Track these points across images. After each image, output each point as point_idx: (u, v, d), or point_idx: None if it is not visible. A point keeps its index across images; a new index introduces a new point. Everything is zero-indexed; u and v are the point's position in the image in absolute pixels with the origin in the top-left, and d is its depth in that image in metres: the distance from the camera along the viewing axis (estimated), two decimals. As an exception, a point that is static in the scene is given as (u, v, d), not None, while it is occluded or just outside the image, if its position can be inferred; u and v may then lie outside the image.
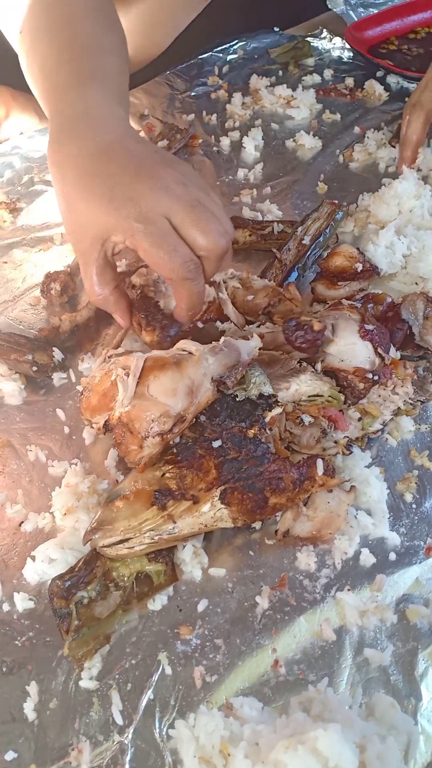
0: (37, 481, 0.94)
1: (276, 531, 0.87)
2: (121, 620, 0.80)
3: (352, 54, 1.70)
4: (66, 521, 0.87)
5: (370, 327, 0.93)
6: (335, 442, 0.90)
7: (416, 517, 0.90)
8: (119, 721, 0.73)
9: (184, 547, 0.85)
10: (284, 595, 0.83)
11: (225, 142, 1.47)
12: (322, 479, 0.85)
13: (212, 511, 0.82)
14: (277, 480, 0.82)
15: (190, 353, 0.85)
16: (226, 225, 0.90)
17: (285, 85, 1.59)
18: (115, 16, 1.14)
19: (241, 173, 1.40)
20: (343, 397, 0.92)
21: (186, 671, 0.77)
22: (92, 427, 0.91)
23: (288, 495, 0.83)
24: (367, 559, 0.85)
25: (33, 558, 0.84)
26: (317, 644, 0.79)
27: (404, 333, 1.02)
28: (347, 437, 0.92)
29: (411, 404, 0.98)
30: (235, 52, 1.70)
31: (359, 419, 0.95)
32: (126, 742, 0.72)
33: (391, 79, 1.63)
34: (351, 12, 1.76)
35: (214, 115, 1.53)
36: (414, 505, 0.91)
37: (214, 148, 1.46)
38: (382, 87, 1.59)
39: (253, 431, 0.83)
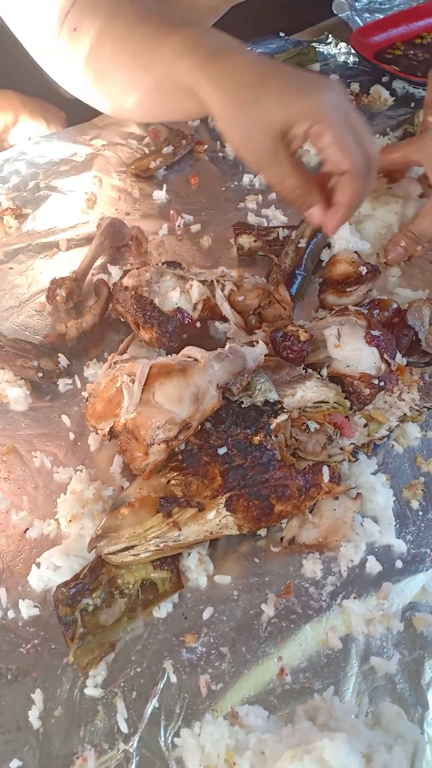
0: (42, 487, 0.93)
1: (281, 538, 0.87)
2: (126, 628, 0.80)
3: (357, 59, 1.70)
4: (71, 528, 0.87)
5: (376, 333, 0.93)
6: (341, 448, 0.90)
7: (423, 525, 0.90)
8: (124, 729, 0.73)
9: (189, 554, 0.84)
10: (290, 602, 0.82)
11: (230, 148, 1.47)
12: (328, 486, 0.84)
13: (218, 519, 0.81)
14: (282, 487, 0.82)
15: (195, 360, 0.85)
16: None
17: (290, 91, 1.58)
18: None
19: (246, 179, 1.40)
20: (348, 404, 0.91)
21: (191, 679, 0.77)
22: (97, 434, 0.91)
23: (294, 502, 0.83)
24: (373, 566, 0.85)
25: (38, 565, 0.84)
26: (323, 652, 0.79)
27: (410, 339, 1.02)
28: (353, 444, 0.91)
29: (417, 410, 0.98)
30: (240, 58, 1.70)
31: (365, 425, 0.94)
32: (131, 750, 0.72)
33: (397, 85, 1.63)
34: (357, 17, 1.76)
35: (220, 120, 1.53)
36: (420, 513, 0.91)
37: (220, 154, 1.47)
38: (388, 92, 1.59)
39: (258, 438, 0.83)
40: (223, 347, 0.87)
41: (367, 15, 1.79)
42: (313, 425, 0.88)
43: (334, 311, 1.01)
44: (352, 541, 0.86)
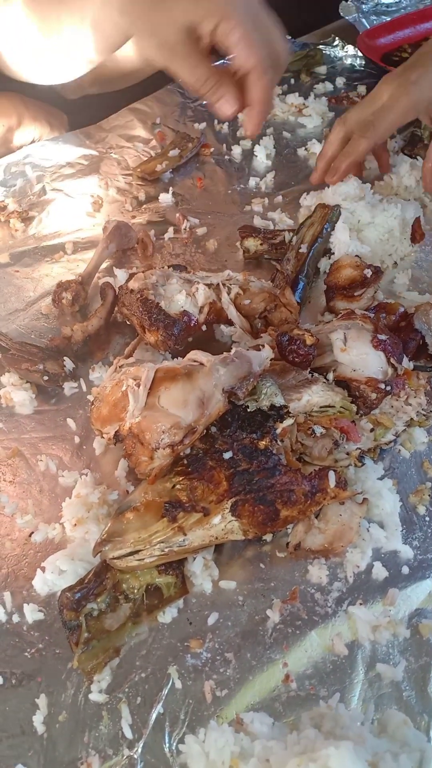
0: (47, 491, 0.93)
1: (287, 543, 0.86)
2: (130, 633, 0.80)
3: (364, 62, 1.70)
4: (76, 532, 0.87)
5: (383, 337, 0.92)
6: (347, 453, 0.90)
7: (429, 530, 0.89)
8: (129, 735, 0.73)
9: (194, 559, 0.84)
10: (295, 608, 0.82)
11: (236, 150, 1.47)
12: (334, 491, 0.84)
13: (223, 524, 0.81)
14: (288, 492, 0.82)
15: (201, 364, 0.85)
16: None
17: (297, 94, 1.59)
18: None
19: (252, 182, 1.40)
20: (355, 408, 0.91)
21: (196, 685, 0.76)
22: (103, 438, 0.91)
23: (299, 507, 0.82)
24: (380, 572, 0.84)
25: (43, 569, 0.84)
26: (329, 659, 0.78)
27: (417, 343, 1.01)
28: (359, 448, 0.91)
29: (424, 415, 0.97)
30: (247, 60, 1.70)
31: (371, 430, 0.94)
32: (135, 756, 0.72)
33: (404, 87, 1.61)
34: (363, 20, 1.76)
35: (226, 123, 1.53)
36: (427, 518, 0.90)
37: (226, 157, 1.47)
38: (395, 95, 1.58)
39: (264, 442, 0.82)
40: (229, 351, 0.87)
41: (374, 17, 1.78)
42: (319, 430, 0.87)
43: (340, 315, 1.01)
44: (359, 547, 0.86)
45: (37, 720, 0.74)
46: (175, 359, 0.91)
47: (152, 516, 0.81)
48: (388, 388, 0.92)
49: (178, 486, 0.82)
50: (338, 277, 1.07)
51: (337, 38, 1.75)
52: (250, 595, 0.83)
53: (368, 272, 1.07)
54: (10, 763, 0.71)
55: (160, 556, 0.80)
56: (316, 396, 0.89)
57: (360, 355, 0.92)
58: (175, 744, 0.72)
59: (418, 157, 1.37)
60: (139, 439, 0.82)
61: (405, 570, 0.85)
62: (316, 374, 0.92)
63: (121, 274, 1.18)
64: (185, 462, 0.83)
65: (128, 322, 1.07)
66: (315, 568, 0.85)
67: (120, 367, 0.92)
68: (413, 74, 1.18)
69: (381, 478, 0.92)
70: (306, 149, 1.46)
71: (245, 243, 1.22)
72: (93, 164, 1.44)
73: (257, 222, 1.30)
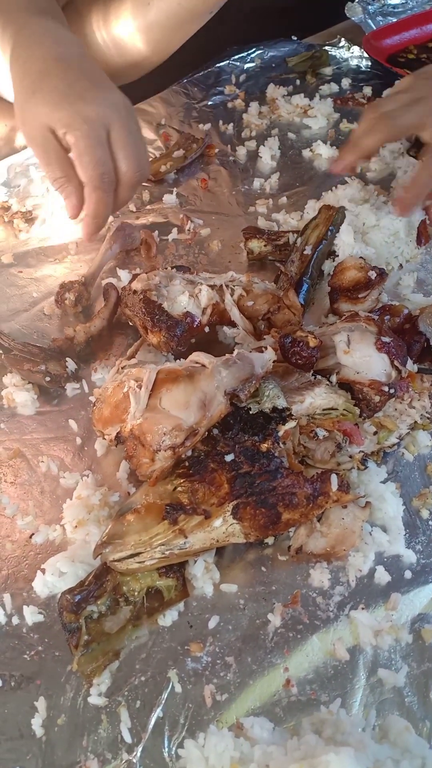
0: (48, 492, 0.93)
1: (289, 547, 0.86)
2: (130, 636, 0.79)
3: (370, 63, 1.69)
4: (77, 534, 0.86)
5: (386, 339, 0.92)
6: (350, 456, 0.89)
7: (433, 534, 0.88)
8: (128, 739, 0.72)
9: (195, 562, 0.83)
10: (297, 612, 0.81)
11: (241, 151, 1.46)
12: (337, 495, 0.83)
13: (224, 526, 0.81)
14: (290, 495, 0.81)
15: (203, 366, 0.85)
16: (147, 164, 1.04)
17: (302, 95, 1.58)
18: None
19: (257, 183, 1.39)
20: (358, 411, 0.90)
21: (196, 689, 0.76)
22: (104, 439, 0.91)
23: (301, 510, 0.82)
24: (382, 576, 0.84)
25: (43, 571, 0.84)
26: (330, 664, 0.78)
27: (422, 345, 1.00)
28: (362, 452, 0.90)
29: (428, 418, 0.97)
30: (252, 61, 1.69)
31: (375, 433, 0.93)
32: (134, 761, 0.71)
33: (410, 88, 1.61)
34: (369, 21, 1.75)
35: (231, 124, 1.53)
36: (431, 522, 0.90)
37: (231, 158, 1.46)
38: (401, 96, 1.57)
39: (266, 445, 0.82)
40: (232, 353, 0.86)
41: (380, 18, 1.77)
42: (321, 432, 0.87)
43: (344, 317, 1.00)
44: (361, 551, 0.85)
45: (36, 723, 0.74)
46: (178, 360, 0.91)
47: (153, 518, 0.81)
48: (392, 390, 0.91)
49: (179, 488, 0.82)
50: (342, 278, 1.06)
51: (342, 39, 1.74)
52: (252, 598, 0.83)
53: (372, 274, 1.06)
54: (8, 767, 0.71)
55: (160, 558, 0.80)
56: (318, 398, 0.88)
57: (363, 358, 0.91)
58: (174, 748, 0.72)
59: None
60: (140, 441, 0.82)
61: (408, 574, 0.84)
62: (319, 376, 0.92)
63: (124, 275, 1.18)
64: (187, 464, 0.83)
65: (131, 323, 1.07)
66: (317, 572, 0.84)
67: (122, 368, 0.92)
68: None
69: (384, 482, 0.91)
70: (311, 150, 1.46)
71: (249, 244, 1.21)
72: (97, 165, 1.43)
73: (261, 223, 1.29)
